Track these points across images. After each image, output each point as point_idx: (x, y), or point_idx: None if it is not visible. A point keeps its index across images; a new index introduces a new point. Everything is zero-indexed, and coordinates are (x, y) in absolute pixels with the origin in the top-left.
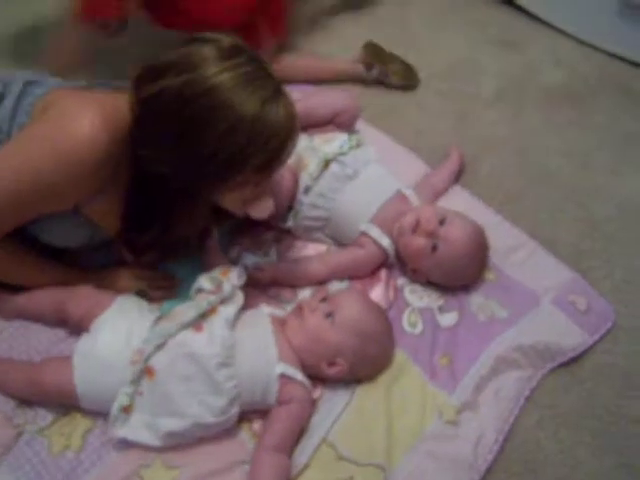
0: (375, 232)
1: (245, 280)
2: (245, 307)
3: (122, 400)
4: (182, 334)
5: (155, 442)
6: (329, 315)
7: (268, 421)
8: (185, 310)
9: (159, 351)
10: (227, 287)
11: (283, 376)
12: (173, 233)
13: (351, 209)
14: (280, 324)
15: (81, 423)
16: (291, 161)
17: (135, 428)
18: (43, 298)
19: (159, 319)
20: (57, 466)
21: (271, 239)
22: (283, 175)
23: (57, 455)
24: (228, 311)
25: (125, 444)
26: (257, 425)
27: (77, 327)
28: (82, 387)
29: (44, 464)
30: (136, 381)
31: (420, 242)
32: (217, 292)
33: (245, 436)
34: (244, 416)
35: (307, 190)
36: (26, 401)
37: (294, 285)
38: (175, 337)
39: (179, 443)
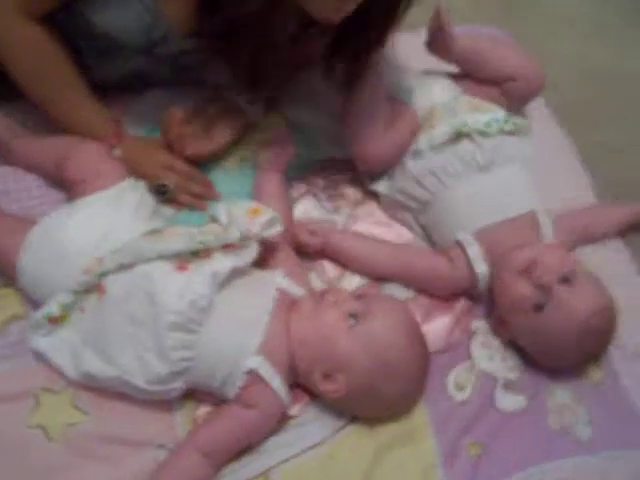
0: (474, 250)
1: (278, 233)
2: (260, 266)
3: (51, 309)
4: (157, 265)
5: (71, 374)
6: (354, 316)
7: (213, 416)
8: (177, 237)
9: (121, 272)
10: (235, 232)
11: (253, 373)
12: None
13: (460, 208)
14: (288, 305)
15: (11, 305)
16: (420, 110)
17: (57, 346)
18: (48, 145)
19: (152, 232)
20: None
21: (350, 197)
22: (402, 115)
23: None
24: (223, 264)
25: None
26: (202, 412)
27: (69, 192)
28: (25, 263)
29: None
30: (80, 293)
31: (525, 291)
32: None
33: (179, 419)
34: (194, 394)
35: (417, 156)
36: None
37: (346, 266)
38: (147, 264)
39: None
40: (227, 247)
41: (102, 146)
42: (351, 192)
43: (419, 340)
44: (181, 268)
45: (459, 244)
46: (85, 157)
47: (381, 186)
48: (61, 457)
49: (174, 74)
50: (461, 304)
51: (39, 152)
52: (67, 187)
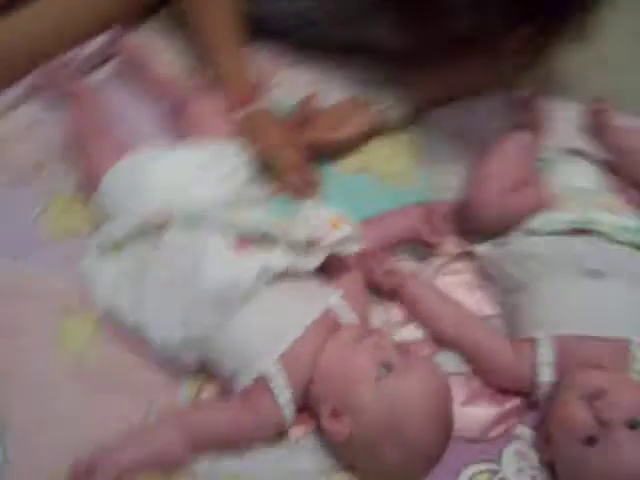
0: (546, 355)
1: (350, 253)
2: (321, 279)
3: (112, 236)
4: (218, 236)
5: (102, 304)
6: (387, 367)
7: (212, 403)
8: (250, 217)
9: (184, 229)
10: (301, 234)
11: (263, 379)
12: None
13: (551, 304)
14: (330, 327)
15: (78, 218)
16: (553, 187)
17: (102, 272)
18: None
19: (232, 204)
20: None
21: (446, 251)
22: (532, 183)
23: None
24: (279, 260)
25: None
26: (209, 392)
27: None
28: (107, 185)
29: None
30: (141, 232)
31: (582, 417)
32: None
33: (185, 392)
34: (208, 371)
35: (528, 233)
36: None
37: (412, 317)
38: (210, 232)
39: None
40: (293, 247)
41: (222, 104)
42: (450, 246)
43: (444, 418)
44: (239, 248)
45: (533, 342)
46: (202, 109)
47: (480, 249)
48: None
49: (331, 22)
50: (514, 403)
51: (165, 85)
52: (176, 130)
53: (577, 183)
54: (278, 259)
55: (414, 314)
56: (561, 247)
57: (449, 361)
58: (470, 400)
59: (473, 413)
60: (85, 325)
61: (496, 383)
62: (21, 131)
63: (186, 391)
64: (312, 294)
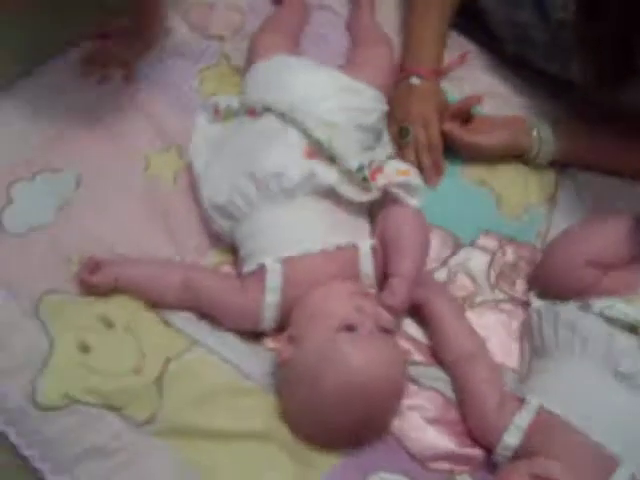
0: (525, 417)
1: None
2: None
3: (220, 103)
4: (295, 135)
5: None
6: (348, 327)
7: (216, 273)
8: (330, 131)
9: (275, 117)
10: (354, 163)
11: (263, 270)
12: None
13: (566, 383)
14: (344, 266)
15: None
16: None
17: (204, 131)
18: None
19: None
20: None
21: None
22: None
23: None
24: (328, 175)
25: None
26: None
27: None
28: (256, 69)
29: None
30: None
31: None
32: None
33: (208, 259)
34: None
35: (583, 308)
36: None
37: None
38: (292, 129)
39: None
40: (349, 175)
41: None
42: (516, 288)
43: (360, 408)
44: (307, 153)
45: (522, 403)
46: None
47: (535, 303)
48: None
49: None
50: (475, 452)
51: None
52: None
53: None
54: (328, 173)
55: (429, 327)
56: (605, 336)
57: (438, 379)
58: (439, 423)
59: (432, 436)
60: (170, 163)
61: (469, 426)
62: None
63: (209, 259)
64: (350, 227)
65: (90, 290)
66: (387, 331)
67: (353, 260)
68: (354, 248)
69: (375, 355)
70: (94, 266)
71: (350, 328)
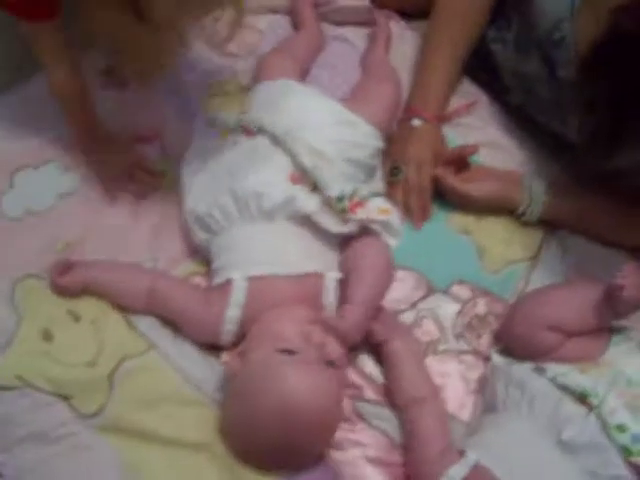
0: (458, 472)
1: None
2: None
3: (221, 121)
4: (282, 158)
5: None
6: (289, 351)
7: (184, 282)
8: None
9: (269, 141)
10: (336, 191)
11: (228, 285)
12: None
13: (500, 444)
14: (308, 293)
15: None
16: None
17: (202, 143)
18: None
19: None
20: None
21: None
22: None
23: None
24: (309, 202)
25: None
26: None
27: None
28: (261, 87)
29: None
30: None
31: None
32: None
33: (182, 268)
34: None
35: (538, 371)
36: None
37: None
38: (281, 153)
39: None
40: (330, 205)
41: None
42: (479, 341)
43: (289, 427)
44: (291, 177)
45: (461, 456)
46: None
47: (495, 358)
48: None
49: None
50: None
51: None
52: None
53: (631, 374)
54: (307, 201)
55: (385, 366)
56: (554, 401)
57: (387, 419)
58: (378, 463)
59: (369, 474)
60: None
61: (408, 469)
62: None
63: (183, 268)
64: (321, 256)
65: (59, 291)
66: (331, 364)
67: (318, 288)
68: (320, 277)
69: (307, 383)
70: (64, 268)
71: (289, 353)
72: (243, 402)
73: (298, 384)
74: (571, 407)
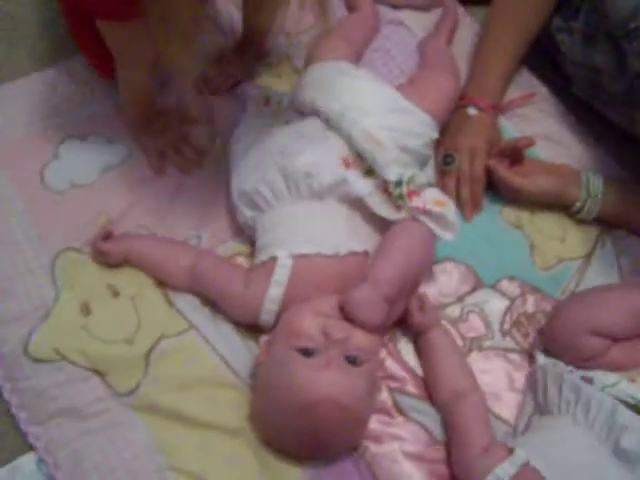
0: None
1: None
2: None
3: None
4: (335, 142)
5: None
6: (307, 351)
7: (226, 261)
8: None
9: (323, 123)
10: (393, 175)
11: (272, 263)
12: None
13: (553, 446)
14: (354, 272)
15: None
16: None
17: (253, 120)
18: None
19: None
20: None
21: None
22: None
23: None
24: (360, 184)
25: None
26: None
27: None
28: (314, 69)
29: None
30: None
31: None
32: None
33: (225, 247)
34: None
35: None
36: None
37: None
38: (336, 136)
39: None
40: (385, 192)
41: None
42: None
43: (307, 424)
44: (344, 161)
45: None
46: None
47: (541, 359)
48: None
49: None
50: None
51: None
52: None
53: None
54: (359, 184)
55: (424, 358)
56: (610, 408)
57: (428, 414)
58: (417, 459)
59: (406, 470)
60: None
61: (452, 465)
62: None
63: (227, 248)
64: (367, 238)
65: (100, 257)
66: (353, 360)
67: (361, 269)
68: (364, 258)
69: (317, 386)
70: (108, 234)
71: (306, 353)
72: (262, 393)
73: (309, 386)
74: (628, 415)
